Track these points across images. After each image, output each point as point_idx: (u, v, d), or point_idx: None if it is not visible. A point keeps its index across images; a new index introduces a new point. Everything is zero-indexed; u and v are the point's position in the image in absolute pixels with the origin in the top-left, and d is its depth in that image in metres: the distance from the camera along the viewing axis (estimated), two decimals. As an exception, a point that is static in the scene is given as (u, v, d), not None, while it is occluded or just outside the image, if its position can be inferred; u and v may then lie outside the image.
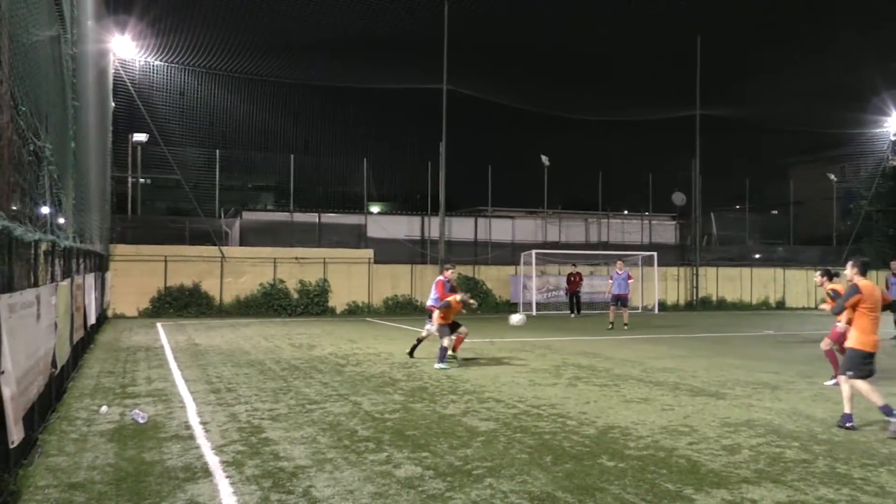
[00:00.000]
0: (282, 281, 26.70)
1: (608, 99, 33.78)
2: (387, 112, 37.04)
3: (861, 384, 7.74)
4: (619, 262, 21.68)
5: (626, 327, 20.94)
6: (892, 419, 7.47)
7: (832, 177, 38.09)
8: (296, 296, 26.79)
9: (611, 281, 21.49)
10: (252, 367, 12.34)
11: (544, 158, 31.79)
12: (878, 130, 37.34)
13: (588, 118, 34.64)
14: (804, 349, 15.92)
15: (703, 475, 6.03)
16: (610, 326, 20.98)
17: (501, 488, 5.61)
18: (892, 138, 37.24)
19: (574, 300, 28.00)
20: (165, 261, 25.21)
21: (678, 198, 35.25)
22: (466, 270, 29.71)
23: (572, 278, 28.15)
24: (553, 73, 36.30)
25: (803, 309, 33.64)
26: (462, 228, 31.73)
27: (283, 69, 28.15)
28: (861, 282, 7.97)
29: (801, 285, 34.50)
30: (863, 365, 7.77)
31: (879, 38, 33.65)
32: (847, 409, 7.85)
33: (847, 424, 7.76)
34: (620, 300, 21.07)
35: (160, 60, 26.01)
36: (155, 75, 26.12)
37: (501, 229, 32.51)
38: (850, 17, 33.70)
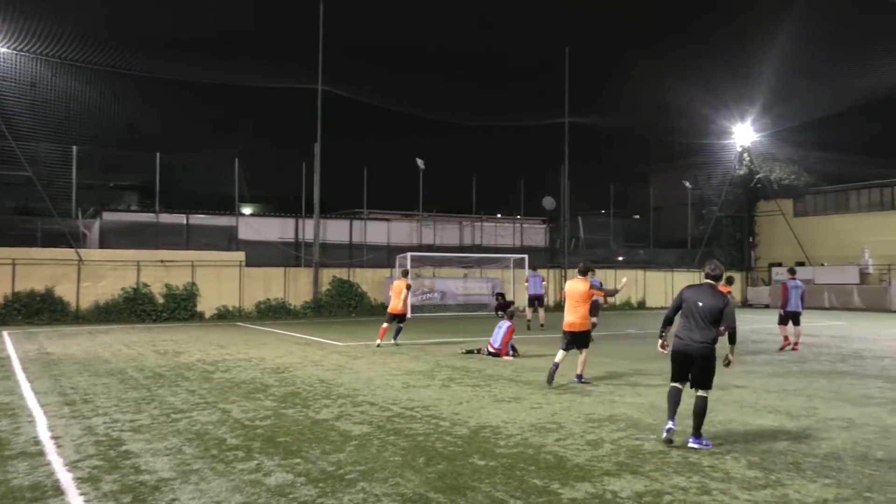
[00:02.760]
0: (146, 285, 25.41)
1: (483, 104, 34.52)
2: (261, 112, 36.15)
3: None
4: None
5: (542, 327, 21.09)
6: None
7: (687, 184, 40.67)
8: (161, 300, 25.57)
9: (527, 283, 21.91)
10: (112, 377, 11.66)
11: (419, 161, 32.04)
12: (726, 141, 40.31)
13: (463, 123, 35.28)
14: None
15: (569, 470, 6.28)
16: (528, 327, 21.16)
17: (374, 492, 5.60)
18: (739, 149, 40.30)
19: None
20: (13, 264, 23.39)
21: (548, 202, 36.51)
22: (341, 273, 29.45)
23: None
24: (431, 77, 36.71)
25: (661, 308, 35.71)
26: (337, 231, 31.42)
27: (149, 63, 26.86)
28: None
29: (660, 286, 36.62)
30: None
31: (729, 54, 36.30)
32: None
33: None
34: (537, 300, 21.46)
35: (5, 47, 24.08)
36: (1, 63, 24.17)
37: (377, 232, 32.46)
38: (705, 34, 36.19)
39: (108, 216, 28.09)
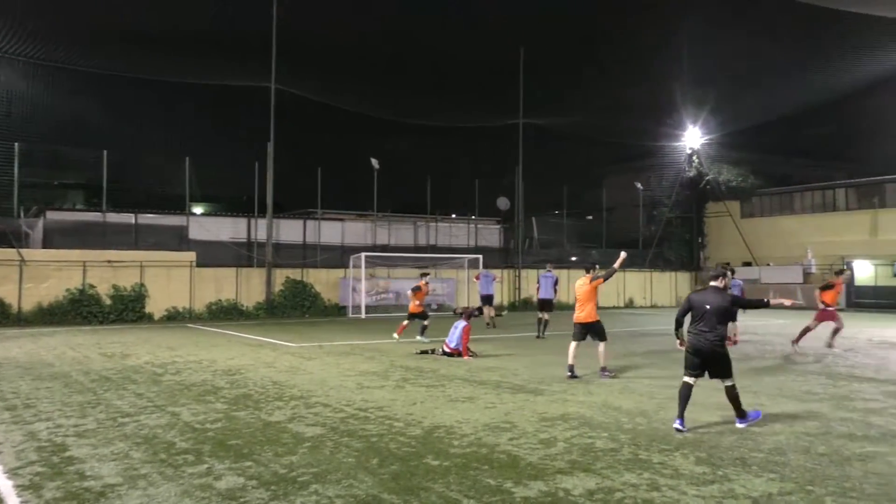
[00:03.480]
0: (92, 286, 24.76)
1: (439, 104, 34.54)
2: (213, 109, 35.45)
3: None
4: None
5: (489, 326, 22.05)
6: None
7: (639, 185, 41.35)
8: (108, 302, 24.95)
9: (477, 280, 22.81)
10: (56, 380, 11.34)
11: (374, 161, 31.91)
12: (676, 144, 41.13)
13: (419, 123, 35.23)
14: (614, 346, 17.14)
15: (522, 469, 6.32)
16: (487, 325, 22.08)
17: (327, 493, 5.56)
18: (688, 151, 41.16)
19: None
20: (-48, 264, 22.57)
21: (502, 203, 36.74)
22: (295, 274, 29.15)
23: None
24: (386, 76, 36.55)
25: (612, 308, 36.20)
26: (290, 231, 31.09)
27: (96, 58, 26.15)
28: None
29: (612, 286, 37.09)
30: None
31: (680, 60, 36.97)
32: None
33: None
34: (488, 300, 22.15)
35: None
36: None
37: (331, 232, 32.21)
38: (658, 38, 36.79)
39: (53, 215, 27.28)
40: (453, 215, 38.31)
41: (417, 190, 35.83)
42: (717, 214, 42.07)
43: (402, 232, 34.78)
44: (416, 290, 17.95)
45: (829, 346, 16.24)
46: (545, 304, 19.23)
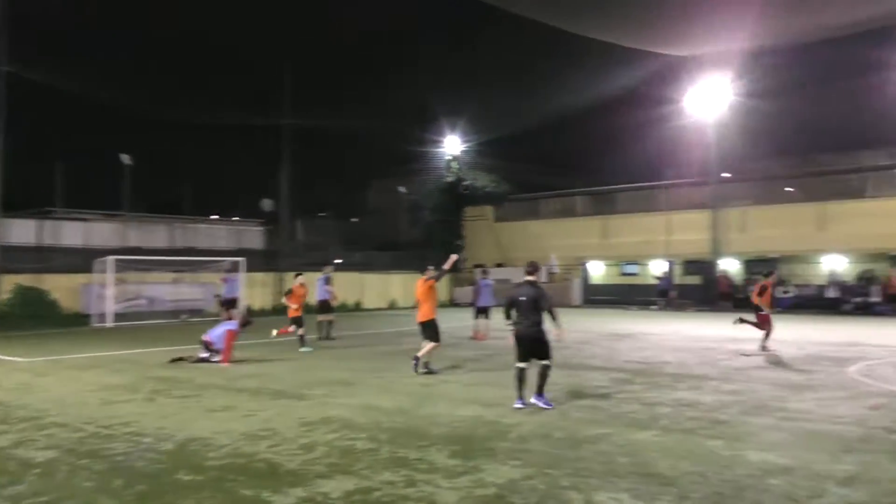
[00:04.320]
0: None
1: (200, 102, 32.86)
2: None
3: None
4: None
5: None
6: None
7: (402, 189, 42.51)
8: None
9: (224, 283, 22.44)
10: None
11: (124, 157, 29.54)
12: (438, 150, 42.90)
13: (179, 119, 33.20)
14: (377, 347, 17.51)
15: (282, 476, 6.21)
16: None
17: (60, 524, 5.04)
18: (448, 157, 43.13)
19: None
20: None
21: (266, 204, 35.86)
22: (27, 280, 26.04)
23: None
24: (141, 66, 34.03)
25: (378, 309, 36.88)
26: (23, 231, 27.74)
27: None
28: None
29: (378, 287, 37.79)
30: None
31: (442, 71, 38.76)
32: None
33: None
34: (229, 303, 21.51)
35: None
36: None
37: (72, 233, 29.24)
38: (421, 48, 38.21)
39: None
40: (215, 216, 36.66)
41: (177, 190, 33.81)
42: (474, 218, 44.50)
43: (156, 234, 32.53)
44: (288, 293, 17.21)
45: (763, 349, 15.61)
46: (323, 306, 19.23)
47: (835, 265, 32.88)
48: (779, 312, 30.22)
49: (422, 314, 12.56)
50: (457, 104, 40.07)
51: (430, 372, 12.28)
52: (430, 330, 12.39)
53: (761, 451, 7.00)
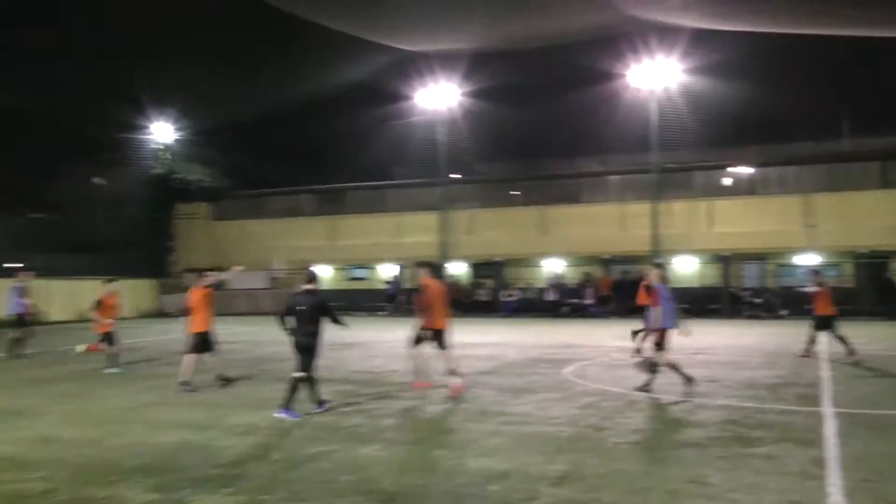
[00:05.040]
0: None
1: None
2: None
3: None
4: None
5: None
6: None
7: (98, 181, 39.13)
8: None
9: None
10: None
11: None
12: (145, 137, 40.14)
13: None
14: (63, 367, 15.87)
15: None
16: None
17: None
18: (158, 147, 40.62)
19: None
20: None
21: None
22: None
23: None
24: None
25: (68, 322, 33.50)
26: None
27: None
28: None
29: (66, 296, 34.21)
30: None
31: (148, 42, 36.02)
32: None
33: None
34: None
35: None
36: None
37: None
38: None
39: None
40: None
41: None
42: (188, 217, 42.36)
43: None
44: (99, 304, 15.04)
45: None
46: (20, 320, 17.87)
47: (555, 268, 36.53)
48: (504, 316, 33.11)
49: (194, 325, 12.23)
50: (168, 86, 37.60)
51: (189, 389, 11.85)
52: (195, 343, 12.19)
53: (482, 458, 7.48)
